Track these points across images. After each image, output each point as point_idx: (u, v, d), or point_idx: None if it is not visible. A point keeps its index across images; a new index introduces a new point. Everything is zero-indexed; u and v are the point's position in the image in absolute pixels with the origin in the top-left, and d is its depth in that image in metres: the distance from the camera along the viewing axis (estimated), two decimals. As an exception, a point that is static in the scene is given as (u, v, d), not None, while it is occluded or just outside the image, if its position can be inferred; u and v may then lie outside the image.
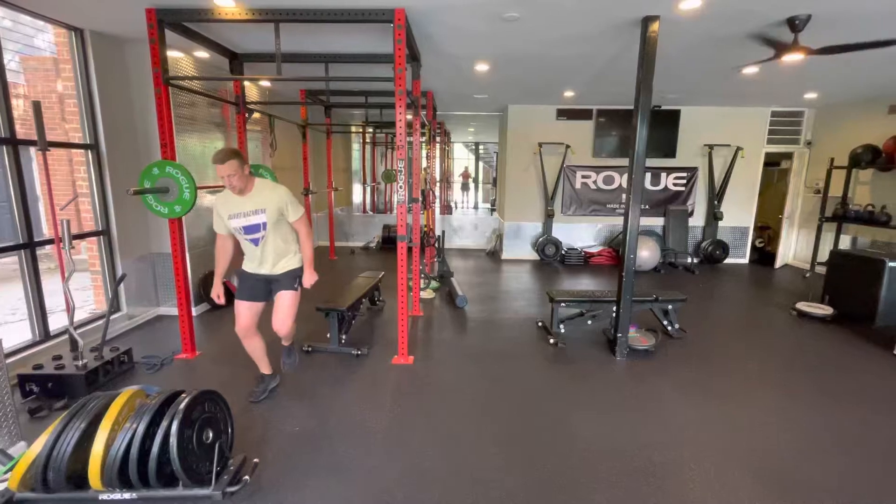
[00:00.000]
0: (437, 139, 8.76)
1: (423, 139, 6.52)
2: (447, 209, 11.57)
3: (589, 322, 4.08)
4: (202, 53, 4.17)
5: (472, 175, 17.77)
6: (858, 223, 6.05)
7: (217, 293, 2.81)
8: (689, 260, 7.13)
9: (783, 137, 7.21)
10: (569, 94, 6.19)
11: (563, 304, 3.97)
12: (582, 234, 7.61)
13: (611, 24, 3.36)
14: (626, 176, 7.05)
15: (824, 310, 4.65)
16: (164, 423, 1.90)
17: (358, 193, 10.21)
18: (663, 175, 7.38)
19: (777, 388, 3.20)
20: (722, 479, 2.21)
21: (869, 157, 5.80)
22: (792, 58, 3.24)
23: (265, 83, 5.67)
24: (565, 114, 7.20)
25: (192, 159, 4.32)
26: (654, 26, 3.19)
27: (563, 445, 2.47)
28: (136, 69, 3.96)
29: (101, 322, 3.49)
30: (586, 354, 3.70)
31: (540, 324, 4.33)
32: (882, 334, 4.09)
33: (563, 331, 4.00)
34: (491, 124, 9.57)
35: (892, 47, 3.41)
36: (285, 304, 2.71)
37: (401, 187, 3.22)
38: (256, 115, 5.34)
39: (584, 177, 7.44)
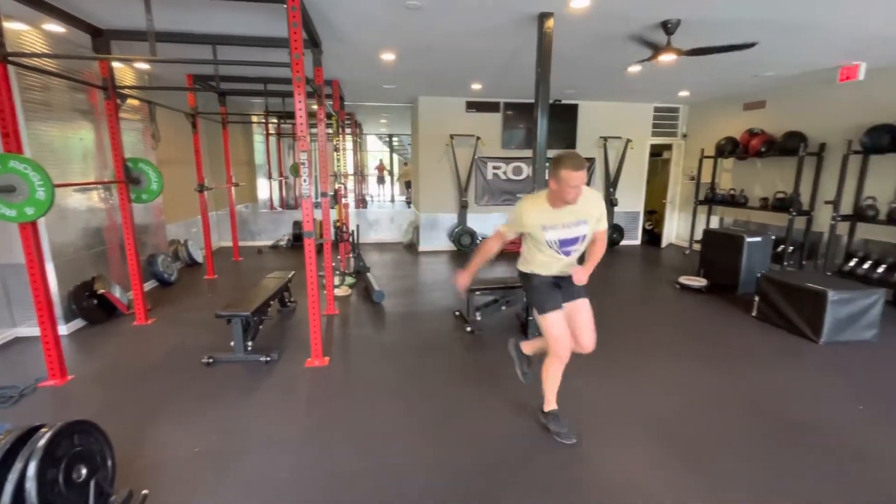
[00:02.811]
0: (347, 130, 8.46)
1: (330, 130, 6.25)
2: (362, 203, 11.29)
3: (503, 308, 4.23)
4: (56, 27, 3.55)
5: (388, 168, 17.52)
6: (724, 205, 7.00)
7: (465, 286, 2.45)
8: (591, 244, 7.71)
9: (664, 130, 8.07)
10: (476, 86, 6.32)
11: (477, 293, 4.06)
12: (496, 223, 7.84)
13: (510, 19, 3.45)
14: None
15: (700, 282, 5.31)
16: (19, 466, 1.59)
17: (264, 188, 9.52)
18: (566, 165, 7.86)
19: (664, 353, 3.58)
20: (622, 440, 2.42)
21: (730, 148, 6.70)
22: (666, 58, 3.59)
23: (143, 65, 5.01)
24: (475, 106, 7.35)
25: (50, 153, 3.69)
26: (549, 23, 3.34)
27: (483, 430, 2.53)
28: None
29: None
30: (501, 340, 3.82)
31: (457, 313, 4.39)
32: (743, 300, 4.77)
33: (479, 318, 4.10)
34: (403, 116, 9.46)
35: (746, 51, 3.94)
36: (589, 309, 2.44)
37: (305, 181, 3.04)
38: (133, 101, 4.71)
39: (494, 168, 7.68)
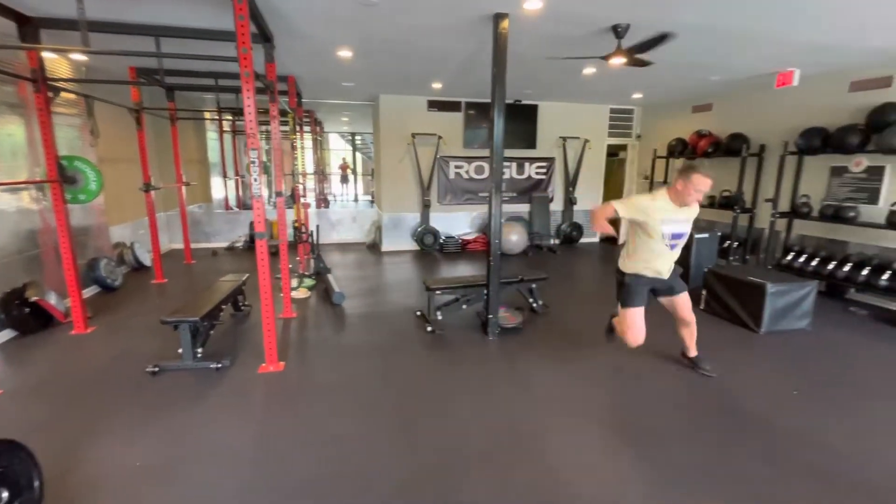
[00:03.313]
0: (305, 128, 8.26)
1: (287, 128, 6.07)
2: (324, 202, 11.06)
3: (464, 307, 4.24)
4: (-26, 13, 3.26)
5: (351, 166, 17.24)
6: (675, 203, 7.31)
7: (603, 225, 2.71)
8: (552, 242, 7.88)
9: (620, 131, 8.35)
10: (437, 85, 6.31)
11: (438, 292, 4.06)
12: (458, 222, 7.90)
13: (466, 18, 3.46)
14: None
15: (653, 277, 5.52)
16: (-75, 494, 1.45)
17: (219, 188, 9.15)
18: (527, 165, 8.00)
19: (618, 349, 3.68)
20: (580, 436, 2.48)
21: (680, 149, 7.01)
22: (617, 61, 3.70)
23: (78, 56, 4.69)
24: (436, 105, 7.34)
25: (-29, 149, 3.39)
26: (504, 23, 3.38)
27: (442, 430, 2.52)
28: None
29: None
30: (462, 338, 3.85)
31: (418, 313, 4.38)
32: (693, 293, 4.96)
33: (440, 318, 4.09)
34: (365, 114, 9.34)
35: (695, 57, 4.13)
36: (689, 299, 3.02)
37: (256, 179, 2.93)
38: (68, 95, 4.40)
39: (457, 167, 7.70)
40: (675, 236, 2.69)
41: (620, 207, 2.64)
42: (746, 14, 3.33)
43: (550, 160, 8.09)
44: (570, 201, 8.16)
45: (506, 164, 7.88)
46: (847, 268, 4.74)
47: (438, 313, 4.10)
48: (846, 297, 5.02)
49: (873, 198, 4.77)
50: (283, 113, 5.53)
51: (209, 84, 5.19)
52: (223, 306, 3.71)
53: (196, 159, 8.32)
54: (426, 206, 7.49)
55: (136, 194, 5.47)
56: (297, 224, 5.53)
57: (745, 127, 6.12)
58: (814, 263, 5.06)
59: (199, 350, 3.22)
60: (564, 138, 7.98)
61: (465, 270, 6.35)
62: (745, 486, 2.10)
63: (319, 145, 11.68)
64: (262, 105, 3.96)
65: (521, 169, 8.00)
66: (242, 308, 4.33)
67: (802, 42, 3.99)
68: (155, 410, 2.67)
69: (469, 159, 7.69)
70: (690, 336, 3.15)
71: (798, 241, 5.52)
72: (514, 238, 7.18)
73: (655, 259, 2.74)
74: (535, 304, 4.47)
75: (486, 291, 3.88)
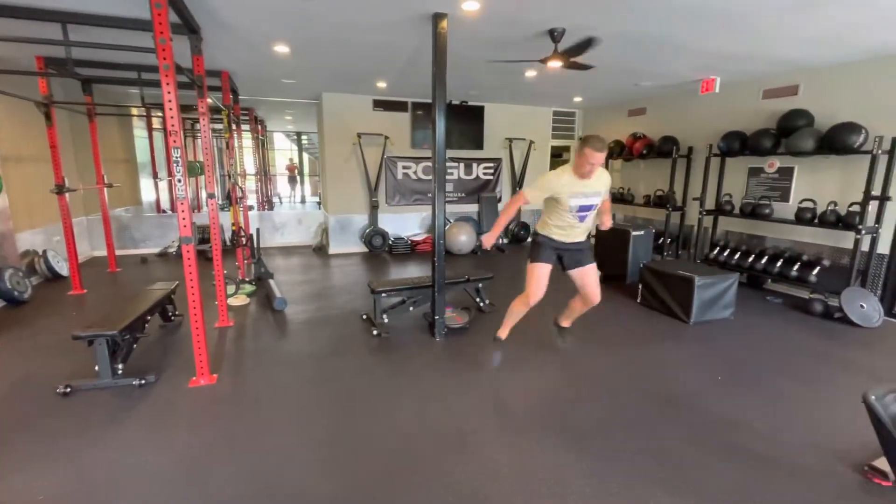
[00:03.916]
0: (244, 127, 7.89)
1: (221, 126, 5.75)
2: (267, 204, 10.62)
3: (411, 308, 4.20)
4: None
5: (299, 167, 16.69)
6: (615, 202, 7.63)
7: (491, 244, 2.99)
8: (500, 241, 8.00)
9: (563, 133, 8.63)
10: (382, 84, 6.22)
11: (384, 295, 3.99)
12: (408, 223, 7.84)
13: (405, 16, 3.42)
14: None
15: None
16: None
17: (149, 189, 8.52)
18: (475, 165, 8.08)
19: (561, 345, 3.78)
20: (523, 433, 2.50)
21: (618, 150, 7.35)
22: (554, 64, 3.80)
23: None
24: (382, 105, 7.24)
25: None
26: (443, 23, 3.37)
27: (387, 436, 2.46)
28: None
29: None
30: (409, 340, 3.80)
31: (364, 317, 4.28)
32: (631, 288, 5.24)
33: (386, 320, 4.02)
34: (310, 113, 9.06)
35: (628, 62, 4.31)
36: (596, 272, 3.11)
37: (179, 180, 2.73)
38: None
39: (405, 168, 7.63)
40: (583, 209, 2.87)
41: (531, 194, 2.84)
42: (671, 24, 3.53)
43: (498, 161, 8.22)
44: (517, 201, 8.31)
45: (454, 164, 7.93)
46: (764, 260, 5.16)
47: (385, 316, 4.02)
48: (764, 287, 5.46)
49: (785, 196, 5.22)
50: (216, 110, 5.23)
51: (131, 77, 4.80)
52: (149, 317, 3.44)
53: (122, 159, 7.70)
54: (374, 208, 7.37)
55: (48, 197, 4.97)
56: (235, 227, 5.24)
57: (675, 130, 6.51)
58: (736, 257, 5.46)
59: (120, 366, 2.95)
60: (510, 139, 8.13)
61: (414, 272, 6.30)
62: (676, 469, 2.21)
63: (262, 145, 11.20)
64: (193, 101, 3.72)
65: (469, 169, 8.06)
66: (173, 318, 4.03)
67: (720, 51, 4.28)
68: (64, 436, 2.42)
69: (417, 160, 7.65)
70: (579, 311, 3.31)
71: (723, 237, 5.94)
72: (463, 238, 7.22)
73: (566, 228, 2.95)
74: (482, 304, 4.50)
75: (432, 292, 3.85)
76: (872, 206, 4.32)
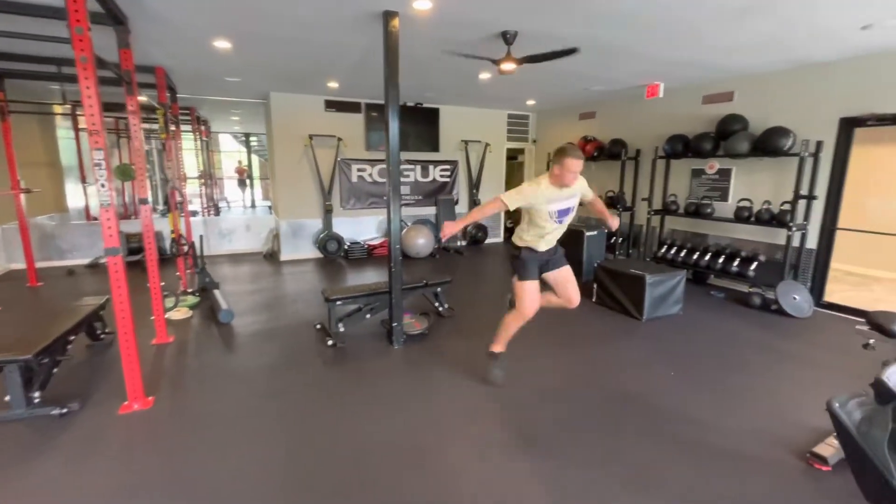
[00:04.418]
0: (182, 127, 7.42)
1: (158, 125, 5.35)
2: (213, 209, 10.06)
3: (368, 316, 4.04)
4: None
5: (248, 170, 15.96)
6: (569, 204, 7.82)
7: (449, 235, 2.85)
8: (459, 244, 7.99)
9: (517, 136, 8.74)
10: (333, 84, 6.02)
11: (339, 302, 3.82)
12: (364, 227, 7.65)
13: (354, 13, 3.29)
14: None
15: (552, 274, 5.82)
16: None
17: (77, 195, 7.81)
18: (431, 167, 8.01)
19: (521, 345, 3.76)
20: (482, 441, 2.44)
21: (570, 153, 7.51)
22: (507, 66, 3.80)
23: None
24: (334, 105, 7.02)
25: None
26: (395, 21, 3.27)
27: (344, 453, 2.33)
28: None
29: None
30: (366, 349, 3.66)
31: (318, 326, 4.09)
32: (586, 287, 5.33)
33: (342, 329, 3.86)
34: (258, 113, 8.65)
35: (577, 67, 4.39)
36: (572, 273, 3.14)
37: (103, 185, 2.47)
38: None
39: (359, 170, 7.44)
40: (562, 213, 2.91)
41: (509, 200, 2.77)
42: (619, 30, 3.62)
43: (454, 163, 8.20)
44: (474, 203, 8.33)
45: (410, 166, 7.83)
46: (707, 257, 5.42)
47: (340, 325, 3.86)
48: (707, 282, 5.75)
49: (724, 195, 5.52)
50: (152, 109, 4.85)
51: (50, 71, 4.35)
52: (72, 337, 3.10)
53: (45, 162, 7.00)
54: (328, 212, 7.13)
55: None
56: (175, 235, 4.88)
57: (624, 133, 6.74)
58: (682, 254, 5.71)
59: (37, 394, 2.63)
60: (466, 142, 8.13)
61: (371, 277, 6.14)
62: (637, 468, 2.22)
63: (206, 146, 10.60)
64: (124, 98, 3.41)
65: (425, 172, 7.98)
66: (102, 337, 3.67)
67: (664, 57, 4.45)
68: (-35, 479, 2.11)
69: (372, 162, 7.48)
70: (555, 304, 3.17)
71: (670, 235, 6.21)
72: (421, 241, 7.13)
73: (546, 234, 2.95)
74: (440, 308, 4.43)
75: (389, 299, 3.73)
76: (801, 205, 4.64)
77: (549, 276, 3.09)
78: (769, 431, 2.55)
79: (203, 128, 9.74)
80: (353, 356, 3.53)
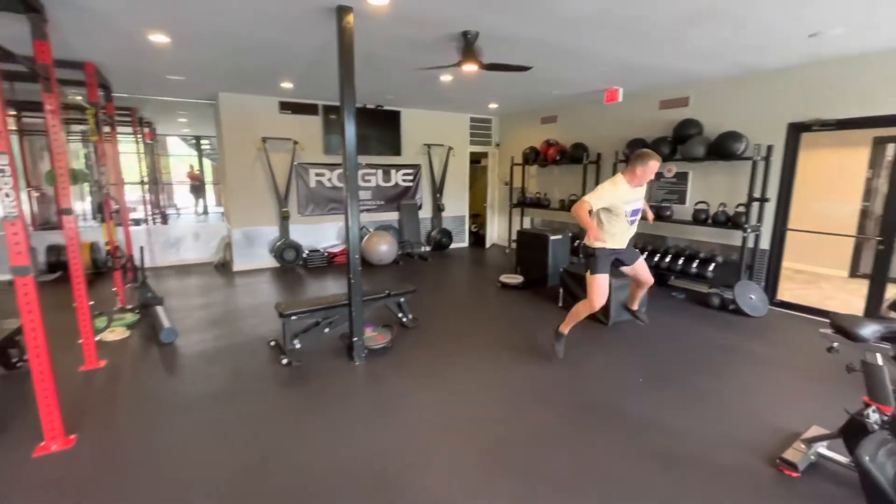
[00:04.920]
0: (120, 129, 6.88)
1: (87, 126, 4.88)
2: (160, 218, 9.41)
3: (326, 330, 3.81)
4: None
5: (201, 175, 15.12)
6: (533, 207, 7.82)
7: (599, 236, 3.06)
8: (423, 249, 7.81)
9: (480, 139, 8.67)
10: (287, 85, 5.72)
11: (294, 317, 3.56)
12: (324, 234, 7.33)
13: (305, 9, 3.07)
14: (360, 173, 7.14)
15: (517, 279, 5.74)
16: None
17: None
18: (393, 172, 7.80)
19: (488, 357, 3.64)
20: (450, 459, 2.28)
21: (533, 156, 7.52)
22: (468, 68, 3.68)
23: None
24: (290, 107, 6.69)
25: None
26: (349, 18, 3.08)
27: (302, 480, 2.11)
28: None
29: None
30: (324, 367, 3.42)
31: (273, 343, 3.80)
32: (552, 292, 5.30)
33: (298, 346, 3.60)
34: (207, 114, 8.14)
35: (538, 71, 4.33)
36: (645, 264, 3.48)
37: (7, 195, 2.13)
38: None
39: (318, 175, 7.13)
40: (634, 213, 3.20)
41: (593, 200, 3.05)
42: (579, 32, 3.57)
43: (417, 167, 8.02)
44: (438, 208, 8.19)
45: (372, 171, 7.59)
46: (667, 259, 5.51)
47: (296, 341, 3.60)
48: (668, 283, 5.85)
49: (682, 198, 5.64)
50: (78, 108, 4.40)
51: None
52: (-22, 368, 2.70)
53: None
54: (284, 218, 6.77)
55: None
56: (109, 247, 4.44)
57: (585, 137, 6.80)
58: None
59: (-72, 439, 2.24)
60: (429, 145, 7.98)
61: (331, 287, 5.85)
62: (611, 482, 2.12)
63: (152, 150, 9.93)
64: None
65: (387, 176, 7.77)
66: (19, 365, 3.25)
67: (623, 62, 4.47)
68: None
69: (331, 166, 7.19)
70: (639, 294, 3.71)
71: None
72: (384, 248, 6.90)
73: (620, 234, 3.22)
74: (404, 319, 4.24)
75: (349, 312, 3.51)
76: (755, 207, 4.78)
77: (627, 269, 3.46)
78: (738, 437, 2.52)
79: (147, 130, 9.10)
80: (310, 375, 3.28)
